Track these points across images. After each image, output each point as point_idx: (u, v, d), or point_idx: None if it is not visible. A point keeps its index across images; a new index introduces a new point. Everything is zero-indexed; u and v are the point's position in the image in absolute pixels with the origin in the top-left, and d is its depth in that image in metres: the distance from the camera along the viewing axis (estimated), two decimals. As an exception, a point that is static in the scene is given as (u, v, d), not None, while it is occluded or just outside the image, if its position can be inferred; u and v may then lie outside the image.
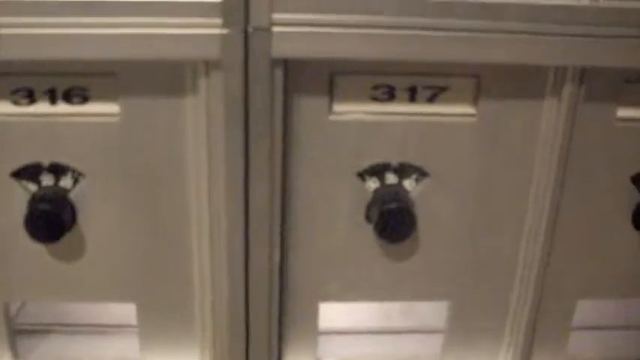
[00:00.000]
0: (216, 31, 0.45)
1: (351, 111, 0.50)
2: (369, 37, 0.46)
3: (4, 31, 0.44)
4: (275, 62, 0.47)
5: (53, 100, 0.49)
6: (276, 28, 0.46)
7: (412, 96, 0.50)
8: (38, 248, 0.53)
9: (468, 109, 0.51)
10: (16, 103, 0.49)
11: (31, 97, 0.49)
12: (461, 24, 0.46)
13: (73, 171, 0.51)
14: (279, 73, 0.47)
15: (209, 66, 0.47)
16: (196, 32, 0.45)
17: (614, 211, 0.55)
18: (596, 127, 0.52)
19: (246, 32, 0.46)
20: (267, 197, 0.50)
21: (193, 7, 0.45)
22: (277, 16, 0.45)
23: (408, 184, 0.53)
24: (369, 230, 0.52)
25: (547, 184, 0.53)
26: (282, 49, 0.46)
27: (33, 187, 0.51)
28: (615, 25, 0.47)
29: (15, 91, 0.49)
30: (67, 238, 0.51)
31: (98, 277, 0.55)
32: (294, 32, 0.46)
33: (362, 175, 0.52)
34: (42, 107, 0.50)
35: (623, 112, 0.52)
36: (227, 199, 0.50)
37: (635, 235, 0.55)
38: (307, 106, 0.50)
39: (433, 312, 0.62)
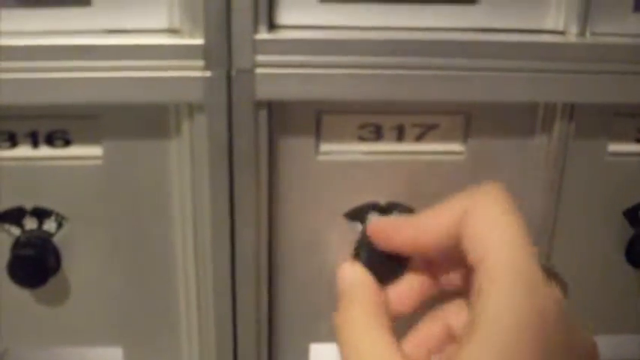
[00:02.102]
0: (199, 73, 0.45)
1: (338, 151, 0.50)
2: (355, 77, 0.46)
3: (-16, 76, 0.43)
4: (259, 104, 0.46)
5: (35, 144, 0.49)
6: (259, 70, 0.45)
7: (400, 135, 0.50)
8: (22, 293, 0.51)
9: (457, 147, 0.51)
10: (-3, 147, 0.48)
11: (12, 141, 0.48)
12: (448, 63, 0.46)
13: (57, 214, 0.50)
14: (263, 114, 0.46)
15: (192, 108, 0.46)
16: (179, 75, 0.45)
17: (606, 245, 0.54)
18: (587, 162, 0.52)
19: (229, 74, 0.45)
20: (254, 239, 0.49)
21: (175, 50, 0.45)
22: (261, 58, 0.45)
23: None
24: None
25: (538, 219, 0.52)
26: (266, 91, 0.45)
27: (16, 231, 0.51)
28: (603, 60, 0.47)
29: (-4, 136, 0.48)
30: (51, 283, 0.50)
31: (83, 321, 0.54)
32: (278, 74, 0.45)
33: (350, 215, 0.51)
34: (23, 151, 0.49)
35: (614, 147, 0.52)
36: (213, 243, 0.49)
37: (629, 269, 0.55)
38: (293, 147, 0.49)
39: None
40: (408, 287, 0.43)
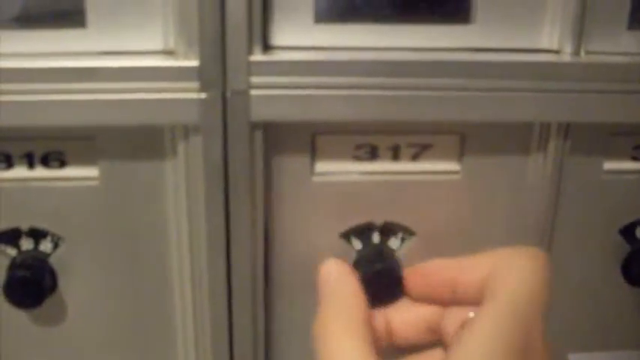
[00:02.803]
0: (194, 95, 0.45)
1: (333, 171, 0.50)
2: (350, 98, 0.46)
3: (-21, 99, 0.44)
4: (254, 125, 0.46)
5: (31, 165, 0.49)
6: (254, 92, 0.45)
7: (395, 155, 0.50)
8: (19, 314, 0.51)
9: (453, 166, 0.51)
10: (-8, 168, 0.48)
11: (8, 162, 0.48)
12: (443, 83, 0.46)
13: (53, 235, 0.50)
14: (258, 135, 0.46)
15: (188, 130, 0.46)
16: (174, 97, 0.45)
17: (603, 263, 0.54)
18: (583, 180, 0.52)
19: (224, 96, 0.45)
20: (250, 259, 0.49)
21: (171, 72, 0.45)
22: (256, 80, 0.45)
23: (394, 243, 0.52)
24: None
25: (534, 238, 0.52)
26: (261, 113, 0.45)
27: (12, 252, 0.51)
28: (598, 79, 0.47)
29: (-9, 157, 0.48)
30: (47, 303, 0.50)
31: (80, 342, 0.54)
32: (273, 95, 0.45)
33: (346, 235, 0.51)
34: (19, 172, 0.49)
35: (609, 165, 0.52)
36: (209, 263, 0.49)
37: (625, 286, 0.54)
38: (289, 168, 0.49)
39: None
40: (414, 315, 0.43)
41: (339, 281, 0.41)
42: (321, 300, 0.41)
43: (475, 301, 0.38)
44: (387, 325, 0.42)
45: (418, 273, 0.42)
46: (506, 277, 0.37)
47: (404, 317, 0.42)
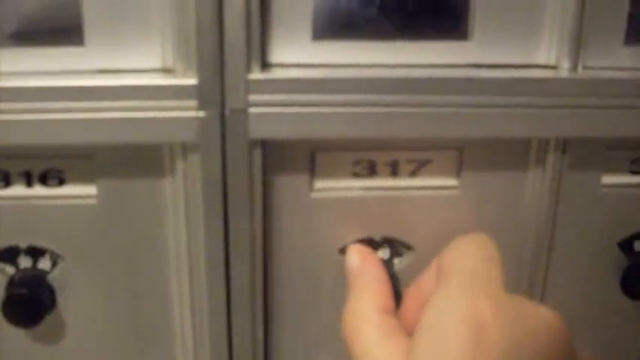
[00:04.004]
0: (193, 113, 0.45)
1: (332, 187, 0.50)
2: (349, 115, 0.46)
3: (-23, 118, 0.43)
4: (253, 143, 0.46)
5: (29, 183, 0.49)
6: (253, 110, 0.45)
7: (394, 170, 0.50)
8: (17, 332, 0.51)
9: (451, 182, 0.51)
10: (-9, 186, 0.48)
11: (6, 180, 0.48)
12: (441, 99, 0.46)
13: (52, 253, 0.50)
14: (257, 153, 0.46)
15: (186, 148, 0.46)
16: (172, 115, 0.45)
17: (602, 277, 0.54)
18: (581, 194, 0.52)
19: (222, 114, 0.45)
20: (249, 277, 0.49)
21: (169, 90, 0.45)
22: (254, 98, 0.45)
23: (395, 259, 0.52)
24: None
25: (533, 253, 0.52)
26: (259, 131, 0.45)
27: (11, 270, 0.50)
28: (595, 95, 0.47)
29: (-10, 175, 0.48)
30: (46, 322, 0.50)
31: (79, 360, 0.53)
32: (272, 113, 0.45)
33: (345, 251, 0.51)
34: (18, 190, 0.49)
35: (608, 179, 0.52)
36: (208, 280, 0.49)
37: (624, 300, 0.54)
38: (288, 185, 0.49)
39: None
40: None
41: (362, 269, 0.41)
42: (348, 287, 0.41)
43: None
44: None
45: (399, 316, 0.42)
46: (450, 258, 0.37)
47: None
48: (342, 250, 0.51)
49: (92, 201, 0.49)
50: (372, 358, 0.37)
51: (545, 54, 0.48)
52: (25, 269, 0.50)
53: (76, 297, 0.51)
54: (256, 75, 0.45)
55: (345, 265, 0.43)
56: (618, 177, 0.52)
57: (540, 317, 0.34)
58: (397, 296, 0.48)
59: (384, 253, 0.52)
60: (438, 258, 0.38)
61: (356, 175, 0.50)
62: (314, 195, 0.49)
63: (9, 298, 0.49)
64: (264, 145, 0.47)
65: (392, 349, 0.36)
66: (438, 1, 0.47)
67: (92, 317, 0.52)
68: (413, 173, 0.50)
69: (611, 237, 0.53)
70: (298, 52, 0.46)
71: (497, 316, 0.33)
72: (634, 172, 0.52)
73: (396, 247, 0.51)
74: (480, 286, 0.35)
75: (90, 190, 0.49)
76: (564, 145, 0.49)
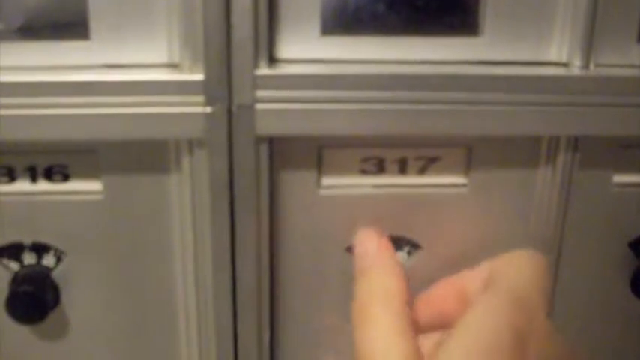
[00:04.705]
0: (199, 109, 0.44)
1: (340, 185, 0.49)
2: (357, 112, 0.45)
3: (-18, 113, 0.43)
4: (260, 139, 0.45)
5: (34, 179, 0.48)
6: (260, 106, 0.44)
7: (402, 168, 0.49)
8: (21, 329, 0.51)
9: (460, 180, 0.50)
10: (-5, 182, 0.48)
11: (10, 176, 0.48)
12: (451, 96, 0.45)
13: (56, 249, 0.50)
14: (264, 149, 0.46)
15: (193, 144, 0.46)
16: (179, 111, 0.44)
17: (612, 277, 0.54)
18: (592, 193, 0.51)
19: (229, 110, 0.45)
20: (255, 274, 0.49)
21: (175, 86, 0.44)
22: (261, 93, 0.44)
23: (401, 256, 0.51)
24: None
25: (543, 252, 0.51)
26: (266, 127, 0.45)
27: (15, 266, 0.50)
28: (607, 93, 0.46)
29: (-6, 170, 0.47)
30: (51, 318, 0.50)
31: (83, 357, 0.53)
32: (279, 109, 0.45)
33: (353, 249, 0.50)
34: (22, 186, 0.48)
35: (619, 178, 0.51)
36: (214, 277, 0.49)
37: (634, 301, 0.54)
38: (295, 181, 0.49)
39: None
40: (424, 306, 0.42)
41: (375, 257, 0.40)
42: (357, 274, 0.40)
43: None
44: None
45: (425, 301, 0.41)
46: (506, 270, 0.37)
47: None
48: (350, 249, 0.51)
49: (97, 197, 0.48)
50: (384, 353, 0.35)
51: (557, 51, 0.47)
52: (30, 265, 0.50)
53: (81, 293, 0.51)
54: (264, 70, 0.44)
55: (356, 248, 0.42)
56: (630, 176, 0.51)
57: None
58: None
59: (400, 256, 0.51)
60: (491, 262, 0.38)
61: (364, 172, 0.49)
62: (321, 192, 0.49)
63: (13, 295, 0.48)
64: (272, 141, 0.46)
65: (408, 347, 0.35)
66: (449, -4, 0.47)
67: (96, 314, 0.51)
68: (421, 171, 0.49)
69: (622, 237, 0.53)
70: (306, 48, 0.46)
71: (538, 342, 0.33)
72: (645, 172, 0.51)
73: (404, 245, 0.51)
74: (527, 305, 0.34)
75: (95, 186, 0.48)
76: (575, 144, 0.49)
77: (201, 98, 0.44)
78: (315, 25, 0.46)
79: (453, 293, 0.41)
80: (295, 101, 0.45)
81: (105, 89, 0.44)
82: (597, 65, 0.47)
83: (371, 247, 0.41)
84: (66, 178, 0.48)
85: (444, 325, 0.40)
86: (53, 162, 0.48)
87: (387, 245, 0.42)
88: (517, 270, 0.37)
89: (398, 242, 0.51)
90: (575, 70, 0.47)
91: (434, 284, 0.41)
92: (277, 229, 0.49)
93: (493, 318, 0.34)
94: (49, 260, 0.50)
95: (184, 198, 0.48)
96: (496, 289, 0.36)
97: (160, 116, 0.44)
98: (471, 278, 0.40)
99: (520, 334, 0.33)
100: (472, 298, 0.39)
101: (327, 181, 0.49)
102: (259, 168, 0.46)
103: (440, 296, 0.40)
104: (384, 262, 0.40)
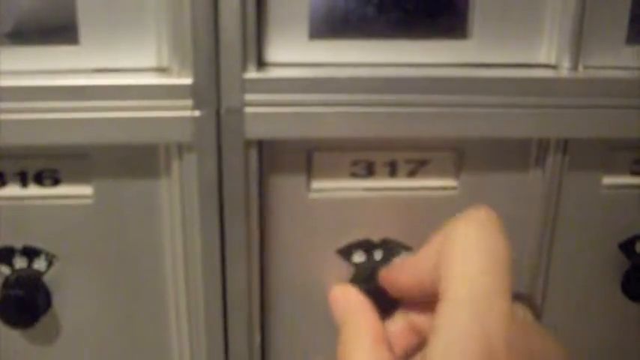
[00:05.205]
0: (188, 113, 0.44)
1: (330, 188, 0.49)
2: (346, 115, 0.45)
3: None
4: (249, 143, 0.46)
5: (24, 183, 0.48)
6: (248, 109, 0.45)
7: (392, 171, 0.49)
8: (12, 333, 0.51)
9: (450, 182, 0.50)
10: (-15, 187, 0.48)
11: (1, 180, 0.48)
12: (440, 99, 0.45)
13: (47, 254, 0.50)
14: (253, 153, 0.46)
15: (182, 148, 0.46)
16: (167, 115, 0.44)
17: (602, 278, 0.54)
18: (582, 195, 0.51)
19: (218, 114, 0.45)
20: (245, 278, 0.49)
21: (164, 90, 0.44)
22: (250, 97, 0.44)
23: (391, 260, 0.51)
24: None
25: (533, 254, 0.51)
26: (255, 130, 0.45)
27: (6, 270, 0.50)
28: (595, 95, 0.46)
29: (-16, 175, 0.47)
30: (42, 322, 0.50)
31: (75, 360, 0.53)
32: (268, 113, 0.45)
33: (343, 252, 0.51)
34: (13, 190, 0.48)
35: (609, 180, 0.51)
36: (204, 281, 0.49)
37: (625, 302, 0.54)
38: (285, 185, 0.49)
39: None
40: (401, 328, 0.42)
41: (348, 308, 0.41)
42: (338, 326, 0.41)
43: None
44: (411, 325, 0.42)
45: (390, 281, 0.41)
46: (455, 257, 0.35)
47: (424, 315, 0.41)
48: (341, 252, 0.51)
49: (87, 201, 0.48)
50: None
51: (546, 53, 0.47)
52: (21, 270, 0.50)
53: (72, 298, 0.51)
54: (252, 74, 0.44)
55: (330, 304, 0.43)
56: (619, 178, 0.51)
57: (548, 350, 0.34)
58: (393, 299, 0.48)
59: (382, 254, 0.51)
60: (442, 242, 0.37)
61: (354, 175, 0.49)
62: (311, 196, 0.49)
63: (4, 299, 0.49)
64: (261, 145, 0.46)
65: None
66: (437, -1, 0.47)
67: (87, 318, 0.51)
68: (411, 174, 0.49)
69: (612, 238, 0.53)
70: (295, 51, 0.46)
71: (508, 343, 0.32)
72: (635, 173, 0.51)
73: (395, 248, 0.51)
74: (489, 300, 0.34)
75: (85, 190, 0.48)
76: (565, 146, 0.49)
77: (189, 102, 0.44)
78: (304, 28, 0.46)
79: (409, 277, 0.40)
80: (284, 104, 0.45)
81: (94, 93, 0.44)
82: (586, 67, 0.47)
83: (341, 302, 0.42)
84: (56, 182, 0.48)
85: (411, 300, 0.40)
86: (43, 166, 0.48)
87: (355, 296, 0.42)
88: (467, 255, 0.35)
89: (388, 245, 0.51)
90: (564, 72, 0.47)
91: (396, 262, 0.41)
92: (267, 233, 0.49)
93: (458, 335, 0.33)
94: (40, 264, 0.50)
95: (174, 202, 0.48)
96: (452, 292, 0.35)
97: (149, 120, 0.44)
98: (423, 261, 0.39)
99: (489, 343, 0.33)
100: (431, 289, 0.38)
101: (316, 184, 0.49)
102: (248, 171, 0.46)
103: (400, 277, 0.40)
104: (355, 309, 0.41)
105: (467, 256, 0.35)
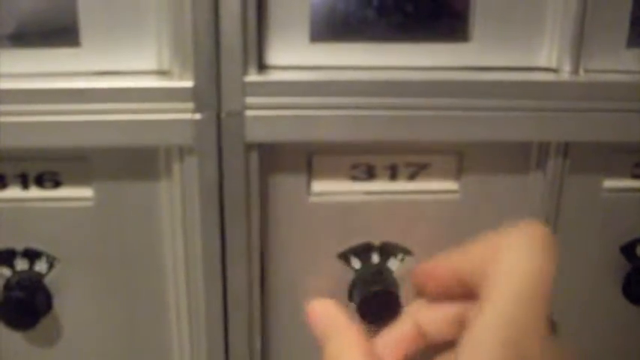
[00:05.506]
0: (189, 116, 0.45)
1: (330, 191, 0.49)
2: (346, 118, 0.45)
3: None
4: (250, 146, 0.46)
5: (25, 185, 0.48)
6: (249, 112, 0.45)
7: (393, 174, 0.49)
8: (13, 334, 0.51)
9: (451, 186, 0.50)
10: (-14, 188, 0.48)
11: (2, 182, 0.48)
12: (441, 102, 0.45)
13: (48, 256, 0.50)
14: (254, 156, 0.46)
15: (183, 151, 0.46)
16: (168, 118, 0.44)
17: (603, 281, 0.54)
18: (583, 198, 0.51)
19: (219, 117, 0.45)
20: (246, 281, 0.49)
21: (165, 93, 0.44)
22: (251, 100, 0.44)
23: (392, 263, 0.51)
24: (352, 311, 0.51)
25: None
26: (256, 133, 0.45)
27: (7, 272, 0.50)
28: (596, 98, 0.46)
29: (-15, 177, 0.47)
30: (43, 324, 0.50)
31: (76, 363, 0.53)
32: (268, 116, 0.45)
33: (343, 256, 0.51)
34: (13, 192, 0.48)
35: (609, 183, 0.51)
36: (205, 283, 0.49)
37: (626, 305, 0.54)
38: (285, 188, 0.49)
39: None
40: (442, 312, 0.42)
41: (331, 323, 0.40)
42: (320, 341, 0.40)
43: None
44: (418, 329, 0.41)
45: (425, 274, 0.41)
46: (504, 262, 0.35)
47: (433, 316, 0.41)
48: (341, 255, 0.51)
49: (88, 203, 0.49)
50: None
51: (547, 56, 0.47)
52: (22, 272, 0.50)
53: (72, 300, 0.51)
54: (253, 77, 0.44)
55: (310, 321, 0.42)
56: (620, 181, 0.51)
57: None
58: (395, 302, 0.48)
59: (382, 257, 0.51)
60: (490, 250, 0.36)
61: (354, 178, 0.49)
62: (312, 199, 0.49)
63: (5, 301, 0.49)
64: (261, 148, 0.46)
65: None
66: (438, 2, 0.47)
67: (88, 320, 0.51)
68: (412, 177, 0.49)
69: (613, 241, 0.53)
70: (295, 54, 0.46)
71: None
72: (636, 176, 0.51)
73: (395, 251, 0.51)
74: (526, 328, 0.34)
75: (86, 192, 0.48)
76: (565, 149, 0.49)
77: (190, 105, 0.44)
78: (305, 31, 0.46)
79: (450, 273, 0.40)
80: (285, 108, 0.45)
81: (95, 96, 0.44)
82: (587, 71, 0.47)
83: (321, 317, 0.41)
84: (57, 184, 0.48)
85: (449, 298, 0.40)
86: (44, 169, 0.48)
87: (335, 311, 0.42)
88: (514, 264, 0.35)
89: (388, 248, 0.51)
90: (565, 75, 0.47)
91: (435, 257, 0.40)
92: (267, 236, 0.49)
93: (491, 335, 0.33)
94: (41, 266, 0.50)
95: (175, 204, 0.48)
96: (493, 294, 0.35)
97: (150, 123, 0.44)
98: (469, 259, 0.38)
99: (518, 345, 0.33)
100: (473, 287, 0.38)
101: (317, 187, 0.49)
102: (249, 174, 0.46)
103: (438, 273, 0.40)
104: (336, 327, 0.41)
105: (511, 284, 0.35)
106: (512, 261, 0.35)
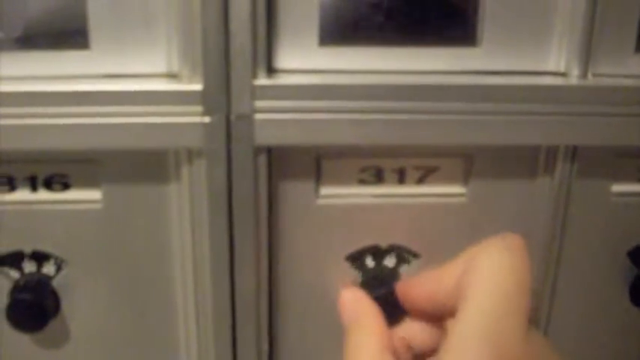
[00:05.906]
0: (198, 119, 0.45)
1: (338, 194, 0.49)
2: (355, 122, 0.45)
3: (-17, 122, 0.43)
4: (258, 149, 0.46)
5: (34, 188, 0.48)
6: (258, 116, 0.45)
7: (401, 177, 0.49)
8: (21, 337, 0.51)
9: (459, 189, 0.50)
10: (-5, 191, 0.48)
11: (11, 185, 0.48)
12: (450, 106, 0.45)
13: (56, 258, 0.50)
14: (263, 159, 0.46)
15: (192, 154, 0.46)
16: (178, 121, 0.45)
17: (610, 286, 0.54)
18: (590, 203, 0.51)
19: (228, 120, 0.45)
20: (254, 284, 0.49)
21: (174, 96, 0.44)
22: (260, 104, 0.44)
23: (400, 266, 0.51)
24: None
25: (541, 261, 0.51)
26: (265, 137, 0.45)
27: (15, 275, 0.50)
28: (605, 103, 0.46)
29: (-5, 179, 0.47)
30: (51, 326, 0.50)
31: (83, 365, 0.53)
32: (278, 119, 0.45)
33: (351, 259, 0.51)
34: (22, 195, 0.48)
35: (617, 187, 0.51)
36: (213, 286, 0.49)
37: (633, 309, 0.54)
38: (293, 191, 0.49)
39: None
40: (399, 340, 0.42)
41: (357, 312, 0.41)
42: (345, 329, 0.41)
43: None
44: (402, 341, 0.41)
45: (401, 295, 0.41)
46: (476, 279, 0.36)
47: (415, 330, 0.41)
48: (349, 258, 0.51)
49: (97, 206, 0.49)
50: None
51: (555, 61, 0.47)
52: (30, 274, 0.50)
53: (80, 302, 0.51)
54: (262, 81, 0.44)
55: (339, 307, 0.43)
56: (628, 185, 0.51)
57: None
58: (400, 311, 0.47)
59: (390, 260, 0.51)
60: (465, 265, 0.37)
61: (362, 182, 0.49)
62: (320, 202, 0.49)
63: (14, 303, 0.49)
64: (270, 151, 0.46)
65: None
66: (447, 6, 0.47)
67: (96, 323, 0.51)
68: (420, 180, 0.49)
69: (621, 246, 0.53)
70: (305, 58, 0.46)
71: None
72: (644, 181, 0.51)
73: (403, 254, 0.51)
74: (502, 321, 0.34)
75: (94, 195, 0.48)
76: (573, 153, 0.49)
77: (199, 108, 0.44)
78: (314, 35, 0.46)
79: (425, 293, 0.40)
80: (294, 111, 0.45)
81: (104, 99, 0.44)
82: (595, 75, 0.47)
83: (349, 305, 0.42)
84: (66, 187, 0.49)
85: (426, 316, 0.40)
86: (53, 171, 0.48)
87: (365, 298, 0.42)
88: (491, 274, 0.36)
89: (396, 251, 0.51)
90: (573, 80, 0.47)
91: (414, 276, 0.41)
92: (276, 239, 0.50)
93: (470, 343, 0.33)
94: (49, 269, 0.50)
95: (183, 207, 0.48)
96: (471, 302, 0.35)
97: (159, 126, 0.44)
98: (443, 280, 0.39)
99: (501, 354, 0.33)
100: (448, 307, 0.38)
101: (325, 190, 0.49)
102: (258, 178, 0.46)
103: (415, 292, 0.40)
104: (365, 314, 0.41)
105: (487, 282, 0.35)
106: (488, 260, 0.36)
